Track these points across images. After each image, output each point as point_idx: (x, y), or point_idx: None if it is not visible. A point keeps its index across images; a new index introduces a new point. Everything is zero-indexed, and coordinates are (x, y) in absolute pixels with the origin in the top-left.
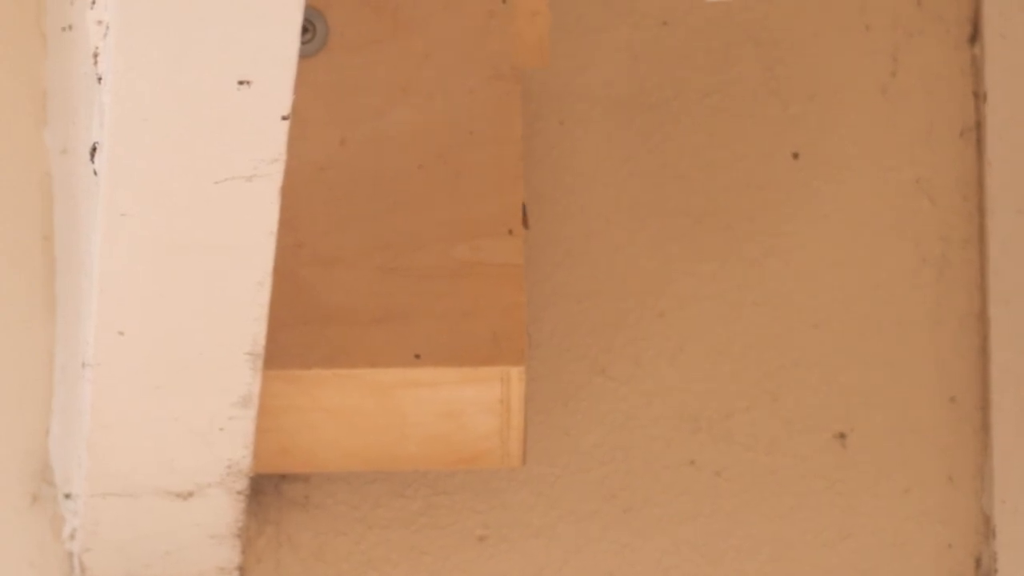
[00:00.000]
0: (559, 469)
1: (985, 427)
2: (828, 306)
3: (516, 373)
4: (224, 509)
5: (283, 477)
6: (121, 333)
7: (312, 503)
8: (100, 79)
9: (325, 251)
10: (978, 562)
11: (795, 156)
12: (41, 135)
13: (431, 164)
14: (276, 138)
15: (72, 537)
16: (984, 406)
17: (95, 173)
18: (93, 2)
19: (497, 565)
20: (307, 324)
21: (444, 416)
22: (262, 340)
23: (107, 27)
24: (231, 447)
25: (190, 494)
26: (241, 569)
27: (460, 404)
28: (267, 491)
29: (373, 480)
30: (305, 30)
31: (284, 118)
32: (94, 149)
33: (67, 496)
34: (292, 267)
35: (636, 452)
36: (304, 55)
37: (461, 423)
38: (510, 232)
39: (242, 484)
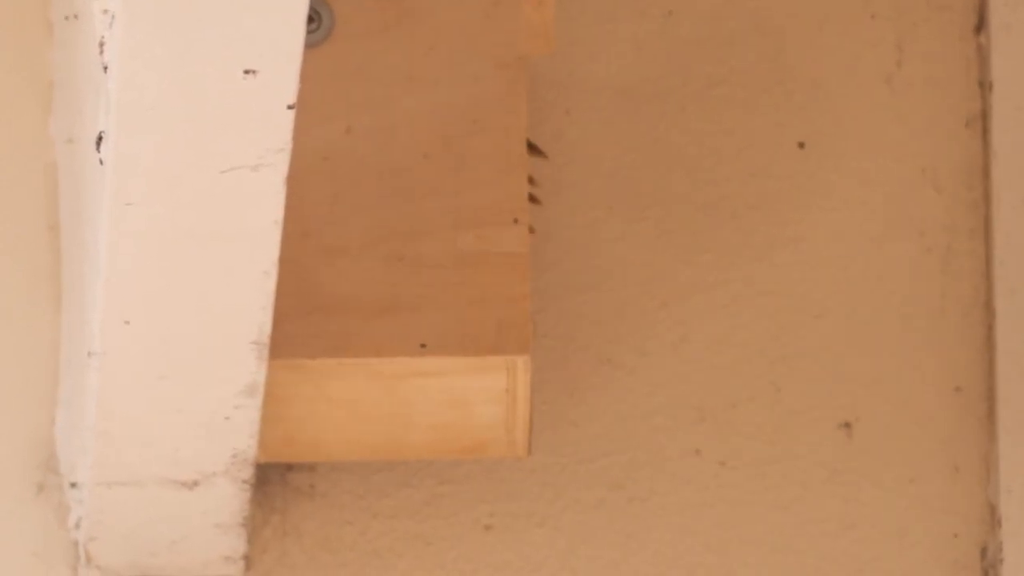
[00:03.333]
0: (564, 459)
1: (990, 417)
2: (833, 296)
3: (522, 362)
4: (229, 498)
5: (289, 466)
6: (127, 323)
7: (318, 492)
8: (106, 68)
9: (331, 241)
10: (983, 552)
11: (801, 146)
12: (46, 125)
13: (436, 153)
14: (282, 127)
15: (78, 526)
16: (989, 396)
17: (101, 163)
18: None
19: (502, 554)
20: (313, 313)
21: (450, 405)
22: (268, 329)
23: (113, 16)
24: (236, 436)
25: (195, 483)
26: (247, 558)
27: (466, 393)
28: (273, 480)
29: (379, 469)
30: (311, 19)
31: (290, 107)
32: (100, 138)
33: (73, 485)
34: (298, 256)
35: (641, 442)
36: (310, 44)
37: (467, 412)
38: (515, 221)
39: (248, 473)
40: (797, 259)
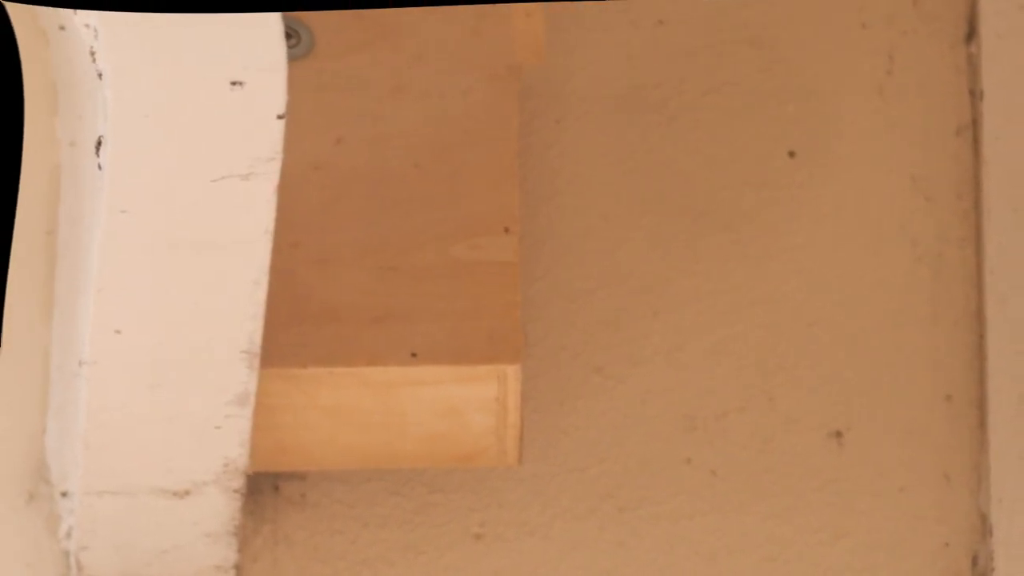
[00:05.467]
0: (555, 468)
1: (981, 425)
2: (824, 305)
3: (512, 372)
4: (220, 507)
5: (280, 475)
6: (118, 332)
7: (309, 502)
8: (100, 75)
9: (322, 250)
10: (975, 560)
11: (791, 155)
12: (53, 126)
13: (427, 163)
14: (272, 137)
15: (68, 536)
16: (980, 404)
17: (100, 167)
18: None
19: (493, 563)
20: (304, 323)
21: (441, 414)
22: (258, 339)
23: (95, 30)
24: (227, 445)
25: (187, 493)
26: (238, 567)
27: (457, 402)
28: (264, 490)
29: (369, 479)
30: (289, 36)
31: (279, 117)
32: (99, 143)
33: (63, 495)
34: (290, 266)
35: (632, 451)
36: (292, 58)
37: (458, 421)
38: (506, 230)
39: (238, 482)
40: (788, 268)
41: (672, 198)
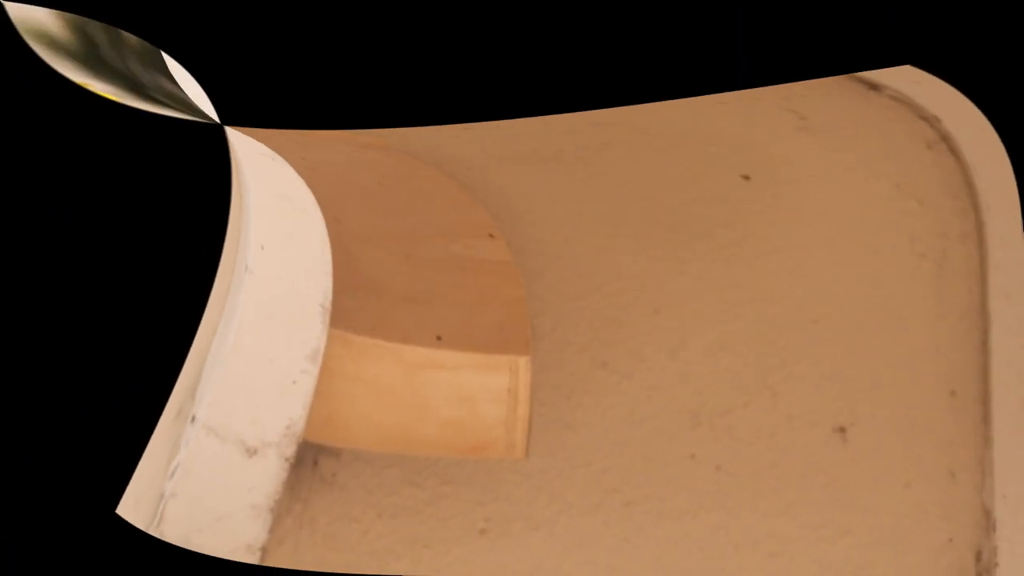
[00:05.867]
0: (561, 462)
1: (986, 420)
2: (828, 301)
3: (524, 363)
4: (271, 476)
5: (322, 450)
6: (262, 247)
7: (338, 483)
8: None
9: (359, 228)
10: (979, 556)
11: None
12: None
13: (392, 183)
14: (256, 145)
15: (172, 475)
16: (984, 400)
17: None
18: None
19: (498, 558)
20: (357, 291)
21: (458, 401)
22: (330, 296)
23: None
24: (295, 405)
25: (255, 451)
26: (264, 550)
27: (473, 390)
28: (305, 463)
29: (392, 464)
30: None
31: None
32: None
33: (192, 420)
34: (336, 235)
35: (637, 446)
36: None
37: (472, 410)
38: (491, 236)
39: (291, 451)
40: (791, 264)
41: (665, 197)
